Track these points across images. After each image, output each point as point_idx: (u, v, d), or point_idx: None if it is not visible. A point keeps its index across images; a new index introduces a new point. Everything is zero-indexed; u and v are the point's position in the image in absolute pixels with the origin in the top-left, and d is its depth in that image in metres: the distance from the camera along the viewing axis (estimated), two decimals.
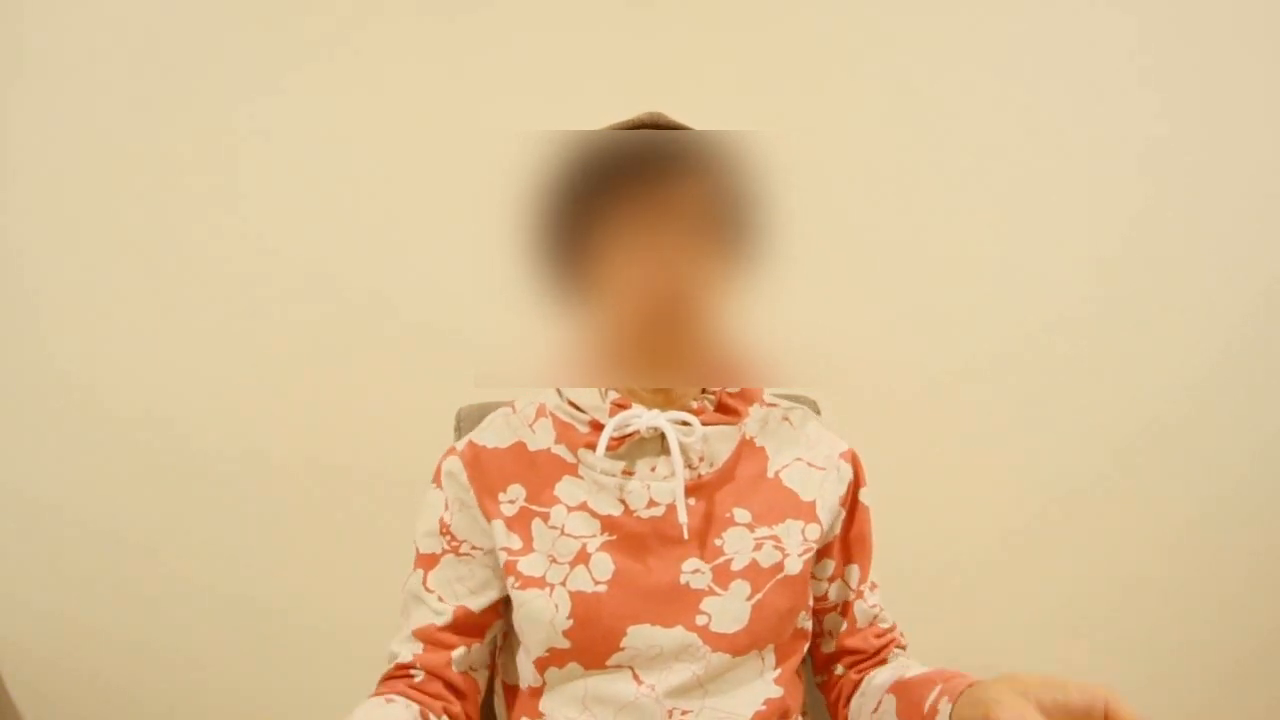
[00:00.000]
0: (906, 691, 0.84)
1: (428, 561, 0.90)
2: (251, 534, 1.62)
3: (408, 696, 0.85)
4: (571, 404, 0.90)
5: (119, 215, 1.58)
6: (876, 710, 0.87)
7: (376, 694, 0.86)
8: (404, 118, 1.59)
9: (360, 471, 1.62)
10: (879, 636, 0.96)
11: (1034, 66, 1.64)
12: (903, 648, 0.97)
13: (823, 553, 0.94)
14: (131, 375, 1.59)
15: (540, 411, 0.93)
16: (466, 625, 0.89)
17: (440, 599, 0.88)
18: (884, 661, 0.95)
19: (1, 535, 1.60)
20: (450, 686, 0.88)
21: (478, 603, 0.89)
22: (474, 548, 0.89)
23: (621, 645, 0.83)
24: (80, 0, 1.56)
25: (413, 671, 0.87)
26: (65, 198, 1.57)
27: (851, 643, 0.95)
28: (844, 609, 0.96)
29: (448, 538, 0.89)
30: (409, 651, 0.88)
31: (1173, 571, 1.71)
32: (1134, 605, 1.71)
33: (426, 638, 0.88)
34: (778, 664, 0.89)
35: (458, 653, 0.88)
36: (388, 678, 0.88)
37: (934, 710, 0.77)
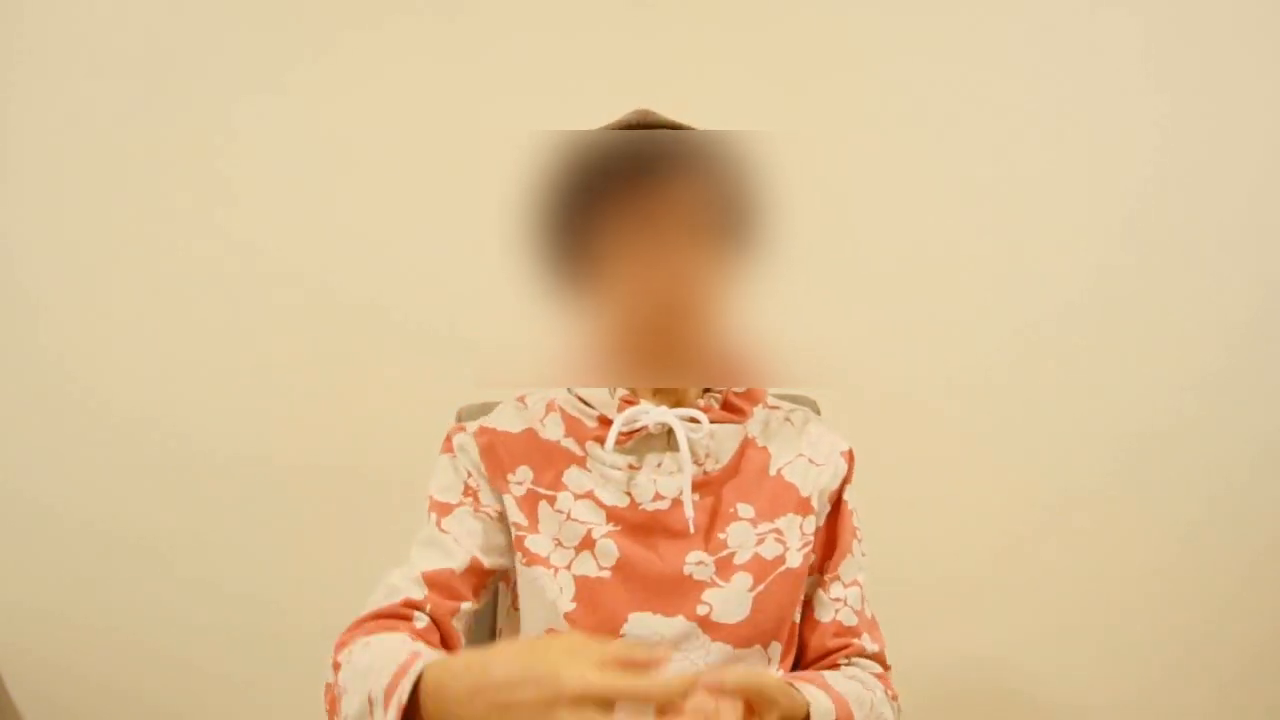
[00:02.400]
0: None
1: (443, 509, 0.88)
2: (251, 534, 1.62)
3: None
4: (580, 399, 0.91)
5: (119, 215, 1.58)
6: None
7: (375, 625, 0.81)
8: (404, 117, 1.59)
9: (360, 471, 1.61)
10: (838, 635, 0.92)
11: (1036, 67, 1.64)
12: (870, 656, 0.93)
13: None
14: (131, 375, 1.59)
15: (549, 406, 0.93)
16: (475, 579, 0.87)
17: (456, 541, 0.86)
18: (835, 666, 0.93)
19: (1, 536, 1.60)
20: (446, 641, 0.85)
21: (489, 561, 0.87)
22: (489, 510, 0.88)
23: (622, 632, 0.84)
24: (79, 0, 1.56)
25: (418, 615, 0.83)
26: (65, 197, 1.57)
27: (805, 636, 0.93)
28: (807, 600, 0.94)
29: (471, 499, 0.89)
30: (420, 592, 0.84)
31: (1175, 573, 1.71)
32: (1136, 607, 1.71)
33: (439, 582, 0.85)
34: (781, 664, 0.89)
35: (466, 606, 0.86)
36: (389, 614, 0.83)
37: None
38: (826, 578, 0.93)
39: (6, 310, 1.57)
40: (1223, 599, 1.71)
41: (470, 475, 0.90)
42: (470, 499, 0.89)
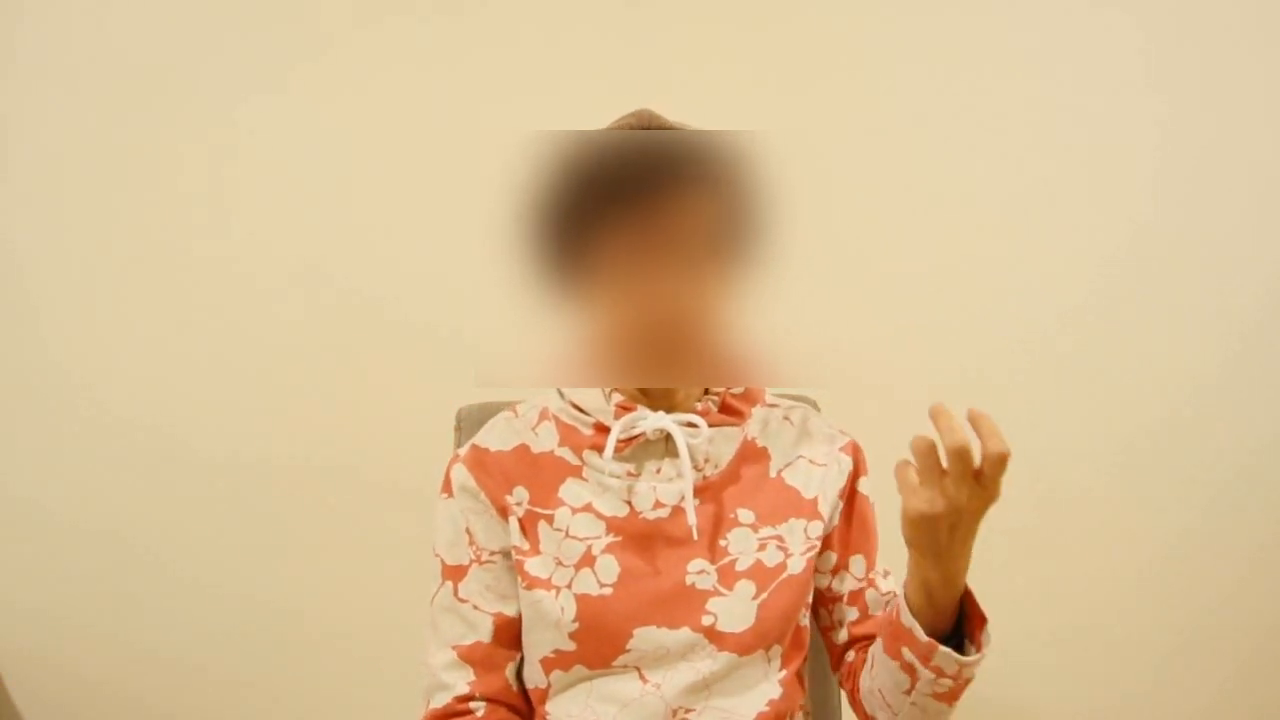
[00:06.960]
0: (879, 625, 0.87)
1: (455, 573, 0.88)
2: (251, 535, 1.61)
3: None
4: (575, 406, 0.89)
5: (118, 215, 1.58)
6: (873, 666, 0.87)
7: None
8: (404, 117, 1.59)
9: (360, 472, 1.61)
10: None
11: (1038, 68, 1.64)
12: None
13: (824, 545, 0.93)
14: (130, 376, 1.59)
15: (543, 414, 0.92)
16: (508, 635, 0.87)
17: (475, 608, 0.87)
18: None
19: (1, 536, 1.60)
20: (515, 710, 0.87)
21: (512, 609, 0.87)
22: (494, 553, 0.88)
23: (627, 647, 0.83)
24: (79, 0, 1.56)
25: (473, 704, 0.85)
26: (64, 197, 1.57)
27: (863, 630, 0.94)
28: (852, 598, 0.94)
29: (474, 548, 0.88)
30: (462, 681, 0.85)
31: (1171, 574, 1.71)
32: (1132, 608, 1.71)
33: (476, 659, 0.86)
34: (783, 666, 0.89)
35: (510, 669, 0.88)
36: (446, 715, 0.85)
37: (894, 615, 0.80)
38: (872, 575, 0.95)
39: (6, 310, 1.57)
40: (1220, 601, 1.71)
41: (472, 517, 0.88)
42: (474, 549, 0.88)
